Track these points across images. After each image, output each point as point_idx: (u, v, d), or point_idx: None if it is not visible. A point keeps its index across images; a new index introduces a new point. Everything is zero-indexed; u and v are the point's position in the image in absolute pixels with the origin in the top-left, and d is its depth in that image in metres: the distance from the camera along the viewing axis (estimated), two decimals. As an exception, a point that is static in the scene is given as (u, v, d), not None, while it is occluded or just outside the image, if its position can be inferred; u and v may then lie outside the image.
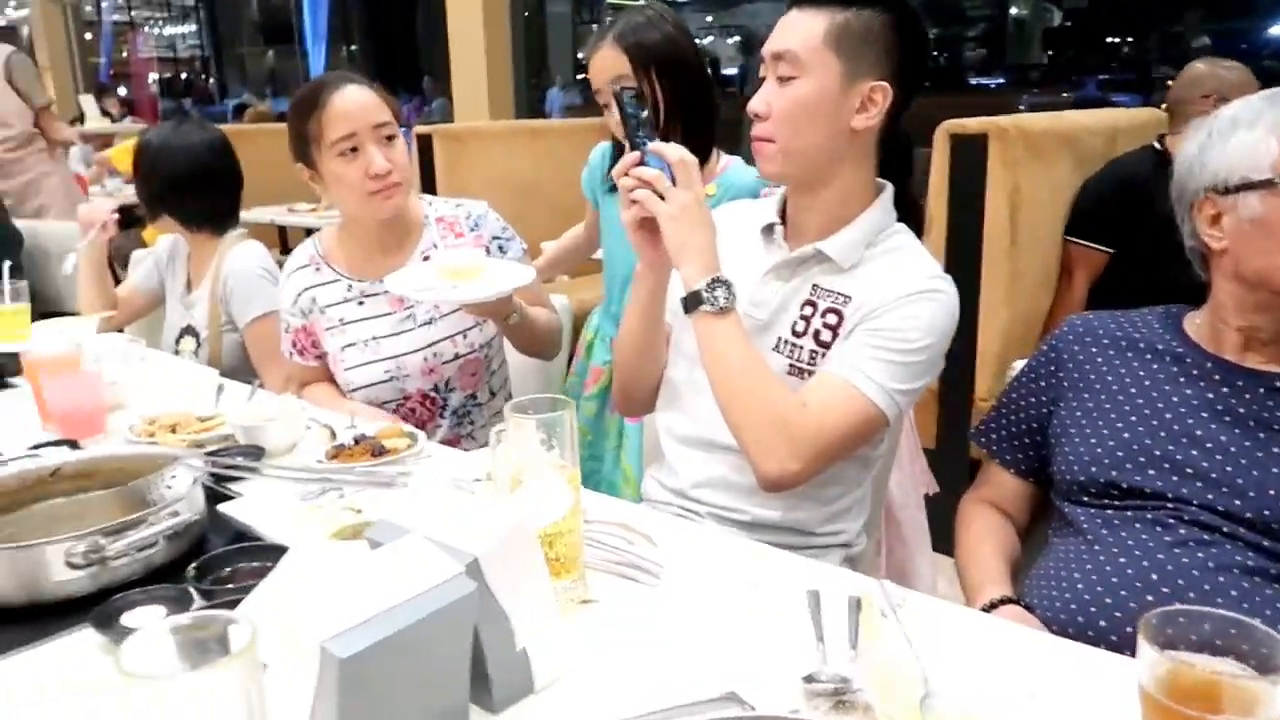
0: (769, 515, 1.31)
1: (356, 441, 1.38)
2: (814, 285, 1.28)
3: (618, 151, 1.88)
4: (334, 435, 1.43)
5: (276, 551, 1.00)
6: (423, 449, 1.38)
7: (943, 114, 2.46)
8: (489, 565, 0.80)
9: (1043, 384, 1.28)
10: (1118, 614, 1.04)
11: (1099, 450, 1.16)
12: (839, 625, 0.92)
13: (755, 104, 1.25)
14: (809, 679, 0.83)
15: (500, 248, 1.77)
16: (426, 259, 1.71)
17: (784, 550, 1.11)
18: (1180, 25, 7.24)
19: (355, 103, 1.62)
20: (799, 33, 1.21)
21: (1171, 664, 0.67)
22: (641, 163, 1.22)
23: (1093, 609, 1.06)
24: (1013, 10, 8.53)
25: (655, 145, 1.22)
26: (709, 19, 11.39)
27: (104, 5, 14.71)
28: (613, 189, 1.87)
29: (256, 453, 1.36)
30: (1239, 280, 1.12)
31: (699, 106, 1.77)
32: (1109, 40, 8.03)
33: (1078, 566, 1.11)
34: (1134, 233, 2.53)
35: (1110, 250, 2.59)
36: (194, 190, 2.11)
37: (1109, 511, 1.13)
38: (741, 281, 1.31)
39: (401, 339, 1.70)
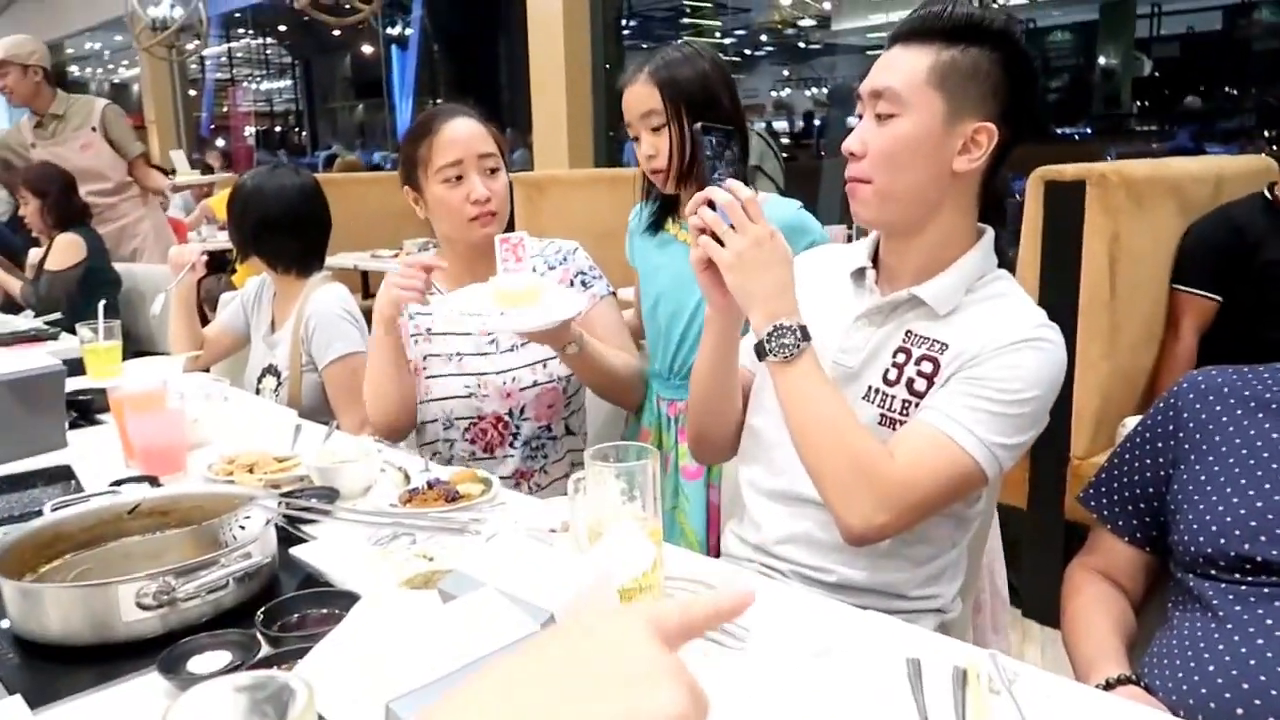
0: (856, 576, 1.23)
1: (430, 486, 1.35)
2: (908, 331, 1.21)
3: (647, 193, 1.85)
4: (408, 479, 1.40)
5: (346, 598, 0.97)
6: (497, 495, 1.34)
7: (1028, 164, 2.37)
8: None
9: (1160, 444, 1.18)
10: (1257, 701, 0.94)
11: (1228, 519, 1.06)
12: (943, 700, 0.84)
13: (851, 142, 1.19)
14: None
15: (584, 283, 1.78)
16: None
17: (877, 612, 1.04)
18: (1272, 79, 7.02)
19: (464, 132, 1.69)
20: (901, 70, 1.15)
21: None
22: (710, 202, 1.16)
23: (1227, 695, 0.96)
24: (1101, 59, 8.37)
25: (722, 185, 1.16)
26: (786, 71, 11.45)
27: (208, 64, 15.49)
28: (649, 231, 1.84)
29: (330, 495, 1.34)
30: None
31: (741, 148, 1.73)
32: (1200, 90, 7.81)
33: (1208, 647, 1.01)
34: (1242, 281, 2.40)
35: (1218, 298, 2.46)
36: (283, 231, 2.15)
37: (1243, 588, 1.03)
38: (830, 328, 1.26)
39: (484, 360, 1.73)
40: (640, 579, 0.90)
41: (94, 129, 4.08)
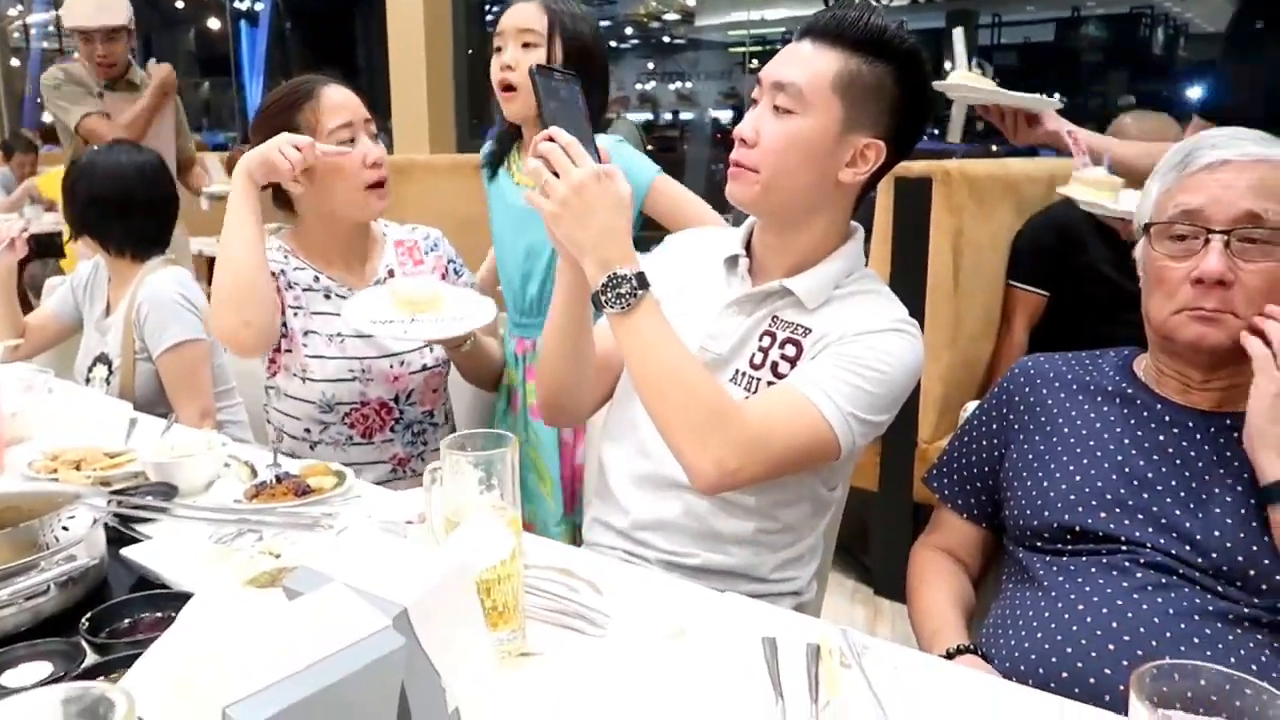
0: (720, 560, 1.25)
1: (279, 479, 1.29)
2: (774, 317, 1.24)
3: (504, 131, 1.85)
4: (254, 473, 1.34)
5: (182, 600, 0.91)
6: (351, 488, 1.30)
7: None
8: (419, 617, 0.72)
9: (994, 426, 1.25)
10: (1079, 664, 1.00)
11: (1051, 494, 1.13)
12: (797, 676, 0.86)
13: (744, 128, 1.18)
14: (767, 738, 0.77)
15: (455, 271, 1.78)
16: (378, 281, 1.69)
17: (737, 594, 1.05)
18: (1104, 86, 7.55)
19: (347, 95, 1.63)
20: (808, 69, 1.15)
21: (1160, 724, 0.62)
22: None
23: (1053, 659, 1.02)
24: (946, 65, 8.82)
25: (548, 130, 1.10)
26: (650, 65, 11.52)
27: (34, 32, 14.34)
28: (493, 175, 1.85)
29: (168, 491, 1.26)
30: (1146, 324, 1.13)
31: (598, 105, 1.74)
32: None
33: (1035, 615, 1.07)
34: (1067, 279, 2.56)
35: (1046, 294, 2.62)
36: (117, 213, 2.00)
37: (1064, 558, 1.10)
38: (700, 312, 1.27)
39: (366, 343, 1.65)
40: (498, 568, 0.89)
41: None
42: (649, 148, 6.65)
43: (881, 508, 2.56)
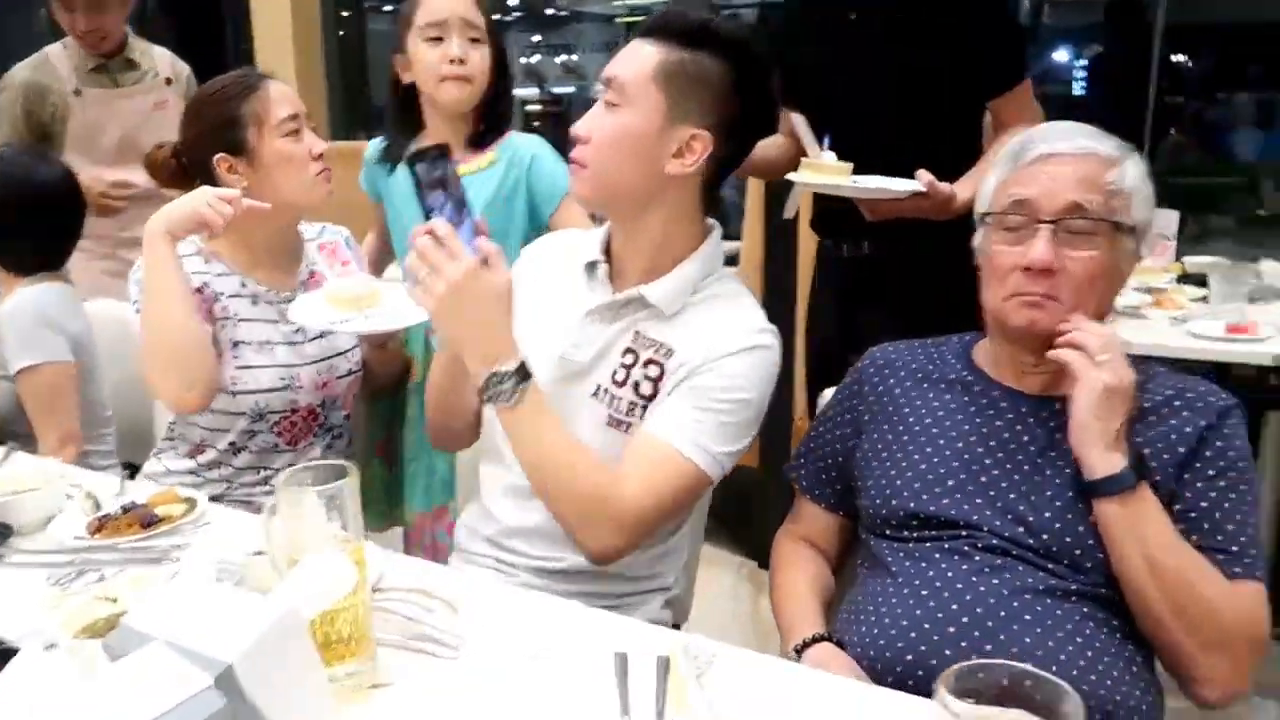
0: (586, 562, 1.26)
1: (125, 510, 1.24)
2: (636, 333, 1.24)
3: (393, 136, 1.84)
4: (98, 505, 1.28)
5: (6, 658, 0.87)
6: (202, 514, 1.26)
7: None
8: (246, 672, 0.71)
9: (847, 417, 1.29)
10: (923, 647, 1.05)
11: (898, 482, 1.17)
12: (647, 690, 0.88)
13: (578, 125, 1.20)
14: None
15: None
16: (303, 283, 1.66)
17: (597, 607, 1.07)
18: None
19: (287, 88, 1.61)
20: (632, 63, 1.17)
21: (963, 723, 0.66)
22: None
23: (900, 644, 1.06)
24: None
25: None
26: (536, 38, 11.36)
27: None
28: (393, 169, 1.83)
29: (2, 532, 1.19)
30: (984, 310, 1.17)
31: (503, 87, 1.80)
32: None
33: (884, 600, 1.11)
34: None
35: None
36: (6, 225, 1.86)
37: (910, 544, 1.14)
38: (561, 319, 1.27)
39: (292, 350, 1.61)
40: (342, 602, 0.88)
41: (168, 80, 2.82)
42: (534, 123, 6.57)
43: (762, 485, 2.61)
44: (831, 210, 1.82)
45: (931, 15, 1.69)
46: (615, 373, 1.23)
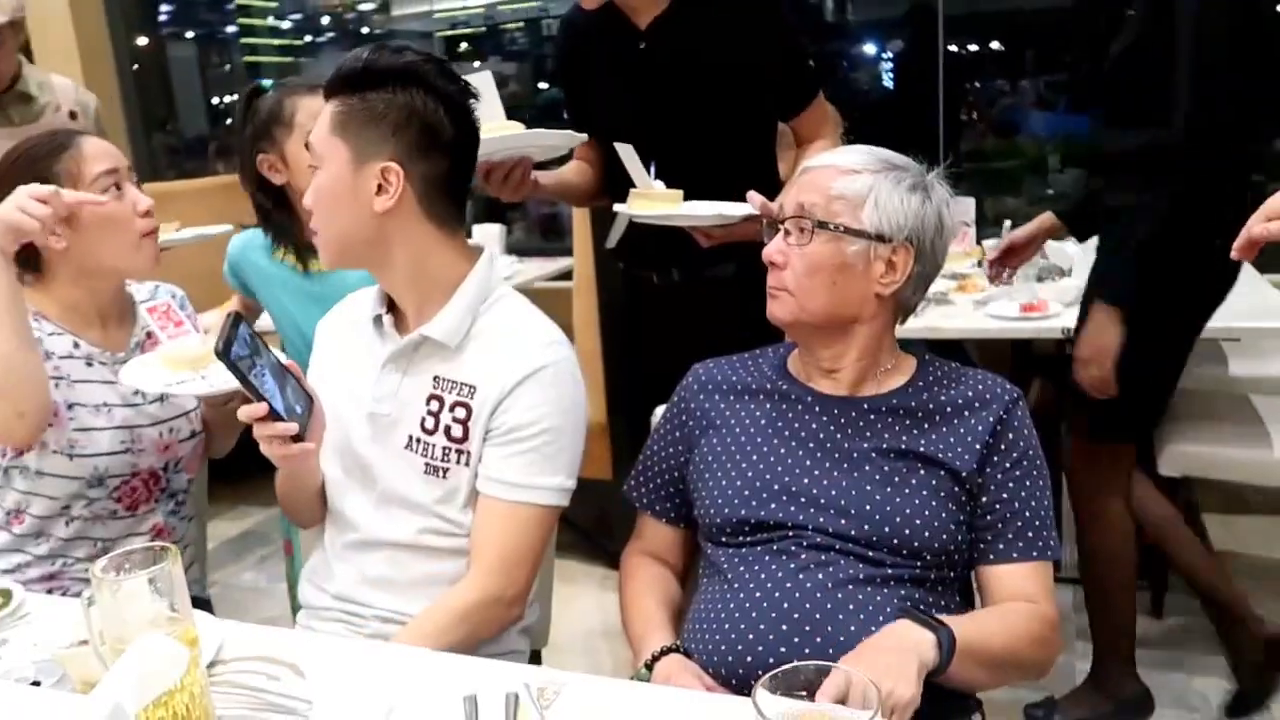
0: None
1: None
2: (435, 377, 1.26)
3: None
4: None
5: None
6: (19, 607, 1.19)
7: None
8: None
9: (677, 434, 1.35)
10: (760, 648, 1.11)
11: (730, 491, 1.23)
12: (498, 729, 0.90)
13: (306, 196, 1.25)
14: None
15: (206, 330, 1.66)
16: (138, 345, 1.56)
17: (443, 652, 1.08)
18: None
19: (106, 144, 1.51)
20: (319, 125, 1.22)
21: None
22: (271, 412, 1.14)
23: (739, 647, 1.12)
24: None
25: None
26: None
27: None
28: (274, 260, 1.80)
29: None
30: None
31: None
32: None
33: (722, 606, 1.17)
34: None
35: None
36: None
37: (743, 549, 1.21)
38: (362, 376, 1.29)
39: (136, 411, 1.52)
40: (175, 687, 0.85)
41: (73, 114, 2.62)
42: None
43: (617, 496, 2.66)
44: (640, 239, 1.82)
45: (721, 47, 1.73)
46: (424, 420, 1.25)
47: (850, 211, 1.19)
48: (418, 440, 1.25)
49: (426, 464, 1.25)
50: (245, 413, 1.14)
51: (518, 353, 1.23)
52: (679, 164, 1.67)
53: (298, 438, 1.16)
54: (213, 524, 2.13)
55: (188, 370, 1.43)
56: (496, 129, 1.54)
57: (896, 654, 1.01)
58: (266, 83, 1.81)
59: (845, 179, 1.20)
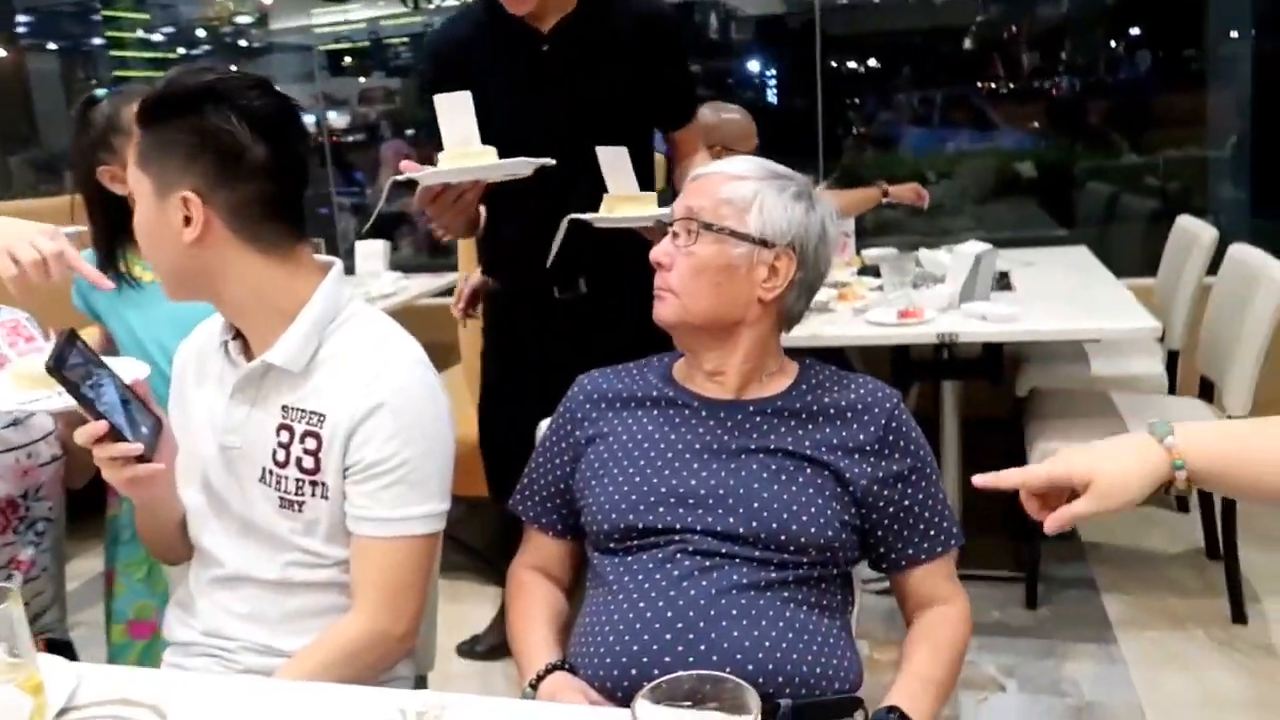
0: (302, 640, 1.22)
1: None
2: (283, 407, 1.20)
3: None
4: None
5: None
6: None
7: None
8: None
9: (563, 445, 1.34)
10: (645, 658, 1.11)
11: (617, 498, 1.23)
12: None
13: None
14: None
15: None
16: None
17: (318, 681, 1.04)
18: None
19: None
20: (129, 164, 1.19)
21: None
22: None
23: (624, 659, 1.12)
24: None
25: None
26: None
27: None
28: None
29: None
30: None
31: None
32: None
33: (606, 618, 1.17)
34: None
35: None
36: None
37: (629, 557, 1.21)
38: (213, 407, 1.24)
39: None
40: (19, 736, 0.80)
41: None
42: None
43: (498, 515, 2.62)
44: (539, 254, 1.72)
45: (621, 55, 1.78)
46: (275, 452, 1.20)
47: (736, 215, 1.22)
48: (270, 473, 1.20)
49: (281, 498, 1.20)
50: (83, 433, 1.08)
51: (367, 379, 1.17)
52: (573, 164, 1.63)
53: (144, 459, 1.10)
54: (75, 561, 2.01)
55: (42, 388, 1.35)
56: (472, 155, 1.47)
57: None
58: (100, 91, 1.72)
59: (733, 184, 1.23)
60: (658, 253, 1.25)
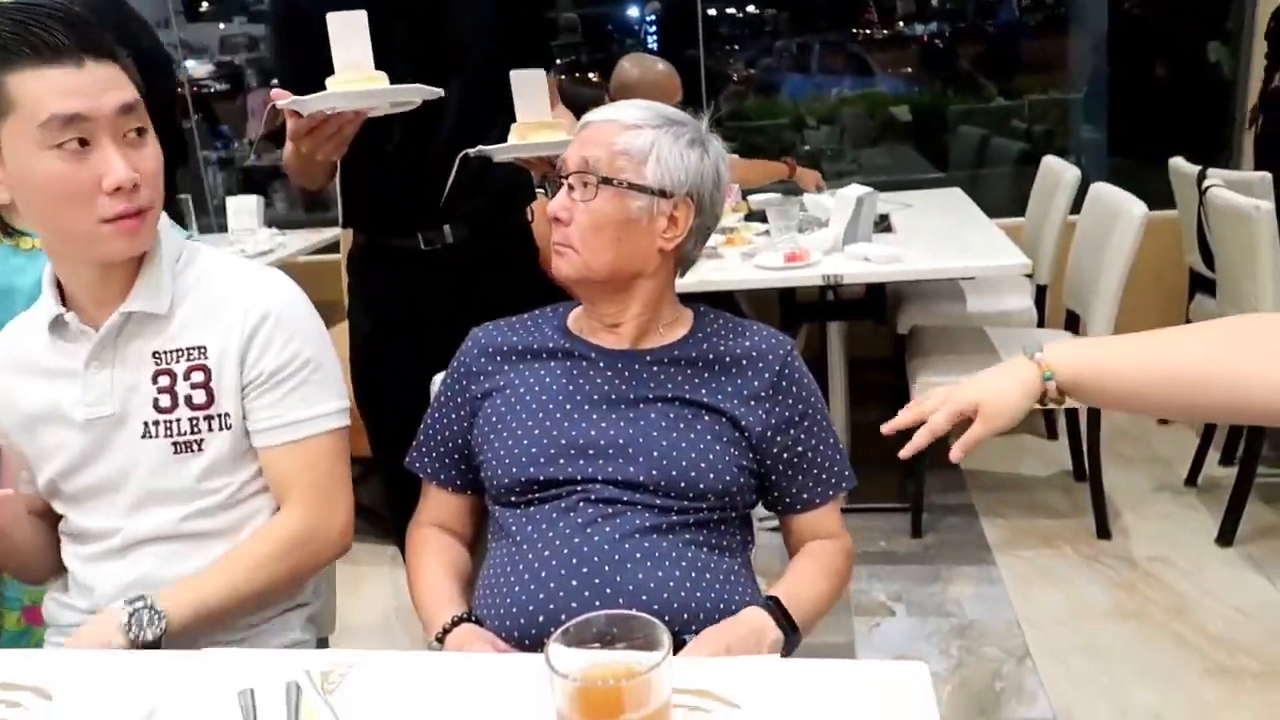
0: None
1: None
2: (154, 354, 1.16)
3: None
4: None
5: None
6: None
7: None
8: None
9: (458, 400, 1.32)
10: (551, 605, 1.11)
11: (516, 451, 1.22)
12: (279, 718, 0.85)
13: None
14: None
15: None
16: None
17: (228, 645, 1.01)
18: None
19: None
20: None
21: (576, 684, 0.72)
22: None
23: (531, 607, 1.12)
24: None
25: None
26: None
27: None
28: None
29: None
30: None
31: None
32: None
33: (511, 569, 1.17)
34: None
35: None
36: None
37: (531, 509, 1.21)
38: (62, 392, 1.17)
39: None
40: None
41: None
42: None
43: (391, 472, 2.57)
44: (402, 202, 1.71)
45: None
46: (157, 401, 1.16)
47: (634, 168, 1.20)
48: (155, 424, 1.16)
49: (174, 444, 1.16)
50: None
51: (244, 299, 1.17)
52: (435, 103, 1.49)
53: None
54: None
55: None
56: (362, 80, 1.34)
57: (751, 632, 1.12)
58: None
59: (628, 135, 1.21)
60: (556, 207, 1.22)
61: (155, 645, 1.06)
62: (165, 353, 1.16)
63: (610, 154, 1.21)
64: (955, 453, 0.99)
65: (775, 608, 1.15)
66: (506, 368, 1.30)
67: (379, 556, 2.68)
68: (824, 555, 1.27)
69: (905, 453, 1.01)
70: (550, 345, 1.30)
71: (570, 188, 1.22)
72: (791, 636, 1.15)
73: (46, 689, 0.93)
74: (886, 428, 1.03)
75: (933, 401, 1.01)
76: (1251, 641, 2.14)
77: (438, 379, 1.42)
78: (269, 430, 1.18)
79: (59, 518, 1.25)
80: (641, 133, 1.21)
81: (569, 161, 1.23)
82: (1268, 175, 2.67)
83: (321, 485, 1.20)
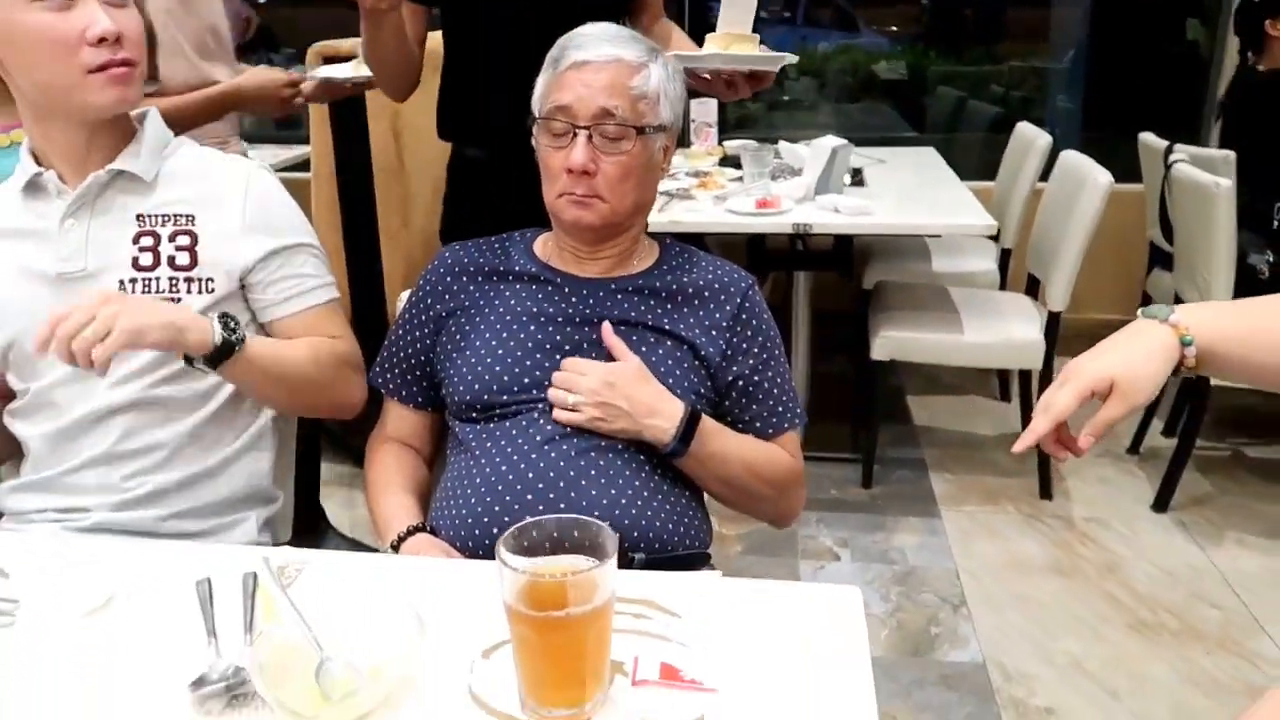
0: (170, 478, 1.21)
1: None
2: (138, 216, 1.20)
3: None
4: None
5: None
6: None
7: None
8: None
9: (423, 318, 1.33)
10: (506, 517, 1.14)
11: (479, 369, 1.24)
12: (234, 612, 0.88)
13: None
14: (198, 683, 0.78)
15: None
16: None
17: (187, 539, 1.03)
18: None
19: None
20: None
21: (524, 578, 0.75)
22: None
23: (486, 518, 1.15)
24: None
25: None
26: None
27: None
28: None
29: None
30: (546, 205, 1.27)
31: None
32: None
33: (468, 481, 1.19)
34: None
35: None
36: None
37: (491, 424, 1.23)
38: (34, 248, 1.19)
39: None
40: None
41: None
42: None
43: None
44: (459, 112, 1.74)
45: None
46: (137, 259, 1.19)
47: (652, 110, 1.21)
48: (132, 281, 1.18)
49: (158, 297, 1.19)
50: None
51: (229, 176, 1.24)
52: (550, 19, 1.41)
53: None
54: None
55: None
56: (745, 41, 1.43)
57: (660, 398, 1.18)
58: None
59: (639, 77, 1.21)
60: (582, 162, 1.17)
61: (227, 354, 1.11)
62: (151, 216, 1.20)
63: (630, 100, 1.20)
64: (1084, 441, 0.89)
65: (692, 417, 1.18)
66: (472, 288, 1.31)
67: (335, 475, 2.70)
68: (773, 449, 1.29)
69: (1019, 447, 0.91)
70: (517, 269, 1.31)
71: (590, 138, 1.19)
72: (678, 446, 1.17)
73: (4, 568, 0.94)
74: (1018, 447, 0.92)
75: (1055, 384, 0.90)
76: (1174, 601, 2.24)
77: (404, 296, 1.43)
78: (291, 300, 1.26)
79: (7, 401, 1.26)
80: (647, 71, 1.22)
81: (580, 109, 1.19)
82: (1231, 154, 2.72)
83: (350, 335, 1.31)
